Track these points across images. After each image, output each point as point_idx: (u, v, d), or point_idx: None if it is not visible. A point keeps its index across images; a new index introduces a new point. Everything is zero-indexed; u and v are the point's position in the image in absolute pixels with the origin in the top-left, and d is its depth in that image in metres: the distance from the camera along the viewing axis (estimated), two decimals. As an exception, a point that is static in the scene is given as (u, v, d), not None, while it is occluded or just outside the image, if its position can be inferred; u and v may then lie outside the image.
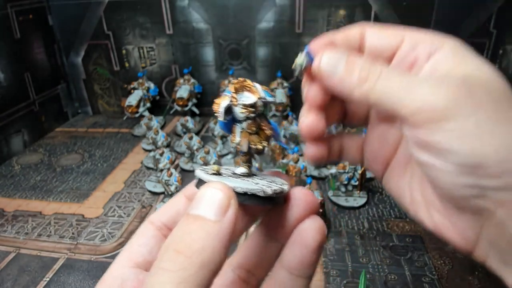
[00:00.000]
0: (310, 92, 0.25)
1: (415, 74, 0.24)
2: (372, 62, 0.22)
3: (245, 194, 0.20)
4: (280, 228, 0.23)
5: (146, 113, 0.90)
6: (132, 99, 0.90)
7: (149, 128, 0.86)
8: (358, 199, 0.65)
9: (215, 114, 0.22)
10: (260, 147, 0.23)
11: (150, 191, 0.70)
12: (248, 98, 0.22)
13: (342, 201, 0.65)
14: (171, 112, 1.00)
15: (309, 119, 0.26)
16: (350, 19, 0.88)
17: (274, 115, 0.89)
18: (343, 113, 0.29)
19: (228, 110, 0.22)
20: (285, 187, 0.22)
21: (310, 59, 0.24)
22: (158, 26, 0.96)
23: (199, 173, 0.22)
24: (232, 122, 0.23)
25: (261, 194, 0.20)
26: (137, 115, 0.90)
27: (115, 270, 0.21)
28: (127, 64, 1.02)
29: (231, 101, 0.22)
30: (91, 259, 0.55)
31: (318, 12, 0.88)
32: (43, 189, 0.74)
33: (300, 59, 0.24)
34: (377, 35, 0.25)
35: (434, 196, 0.22)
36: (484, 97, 0.19)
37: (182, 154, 0.82)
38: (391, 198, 0.66)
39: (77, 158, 0.85)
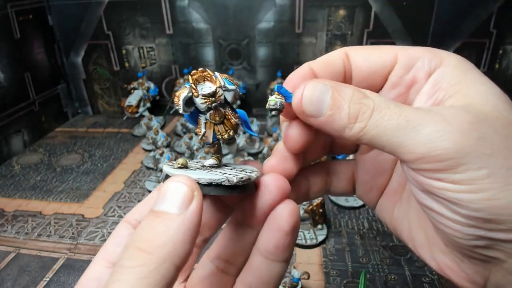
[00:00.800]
0: (290, 133, 0.22)
1: (413, 97, 0.21)
2: (362, 94, 0.19)
3: (209, 185, 0.20)
4: (254, 215, 0.23)
5: (146, 113, 0.90)
6: (132, 99, 0.90)
7: (149, 128, 0.86)
8: (358, 199, 0.65)
9: (176, 107, 0.21)
10: (226, 136, 0.23)
11: (150, 191, 0.70)
12: (210, 88, 0.21)
13: (342, 201, 0.65)
14: (171, 112, 1.00)
15: (273, 163, 0.23)
16: (350, 19, 0.88)
17: (274, 115, 0.89)
18: (330, 143, 0.27)
19: (190, 101, 0.21)
20: (253, 174, 0.22)
21: (287, 96, 0.21)
22: (158, 26, 0.96)
23: (166, 168, 0.22)
24: (197, 113, 0.23)
25: (226, 183, 0.20)
26: (137, 115, 0.90)
27: (91, 272, 0.21)
28: (127, 64, 1.02)
29: (190, 92, 0.21)
30: (91, 259, 0.55)
31: (318, 12, 0.88)
32: (43, 189, 0.74)
33: (274, 99, 0.21)
34: (364, 56, 0.22)
35: (438, 237, 0.20)
36: (496, 138, 0.17)
37: (182, 154, 0.82)
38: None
39: (77, 158, 0.85)
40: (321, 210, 0.57)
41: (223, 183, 0.20)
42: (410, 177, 0.19)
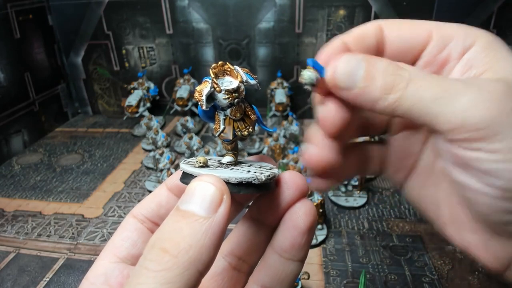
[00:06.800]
0: (326, 114, 0.22)
1: (446, 75, 0.21)
2: (396, 66, 0.19)
3: (240, 184, 0.19)
4: (271, 213, 0.22)
5: (146, 113, 0.89)
6: (132, 99, 0.90)
7: (149, 128, 0.86)
8: (358, 199, 0.65)
9: (199, 103, 0.20)
10: (246, 133, 0.22)
11: (150, 191, 0.70)
12: (231, 82, 0.20)
13: (342, 201, 0.65)
14: (171, 112, 1.00)
15: (315, 151, 0.23)
16: (350, 19, 0.88)
17: (274, 115, 0.89)
18: (364, 125, 0.26)
19: (210, 97, 0.20)
20: (276, 171, 0.21)
21: (320, 70, 0.21)
22: (158, 26, 0.96)
23: (184, 166, 0.21)
24: (213, 109, 0.22)
25: (256, 181, 0.19)
26: (137, 115, 0.90)
27: (98, 267, 0.21)
28: (127, 64, 1.02)
29: (213, 87, 0.20)
30: (91, 259, 0.55)
31: (318, 12, 0.88)
32: (43, 189, 0.74)
33: (308, 74, 0.21)
34: (398, 31, 0.22)
35: (467, 215, 0.21)
36: None
37: (182, 154, 0.82)
38: (391, 198, 0.66)
39: (77, 158, 0.85)
40: (321, 210, 0.56)
41: (253, 182, 0.19)
42: (445, 151, 0.19)
